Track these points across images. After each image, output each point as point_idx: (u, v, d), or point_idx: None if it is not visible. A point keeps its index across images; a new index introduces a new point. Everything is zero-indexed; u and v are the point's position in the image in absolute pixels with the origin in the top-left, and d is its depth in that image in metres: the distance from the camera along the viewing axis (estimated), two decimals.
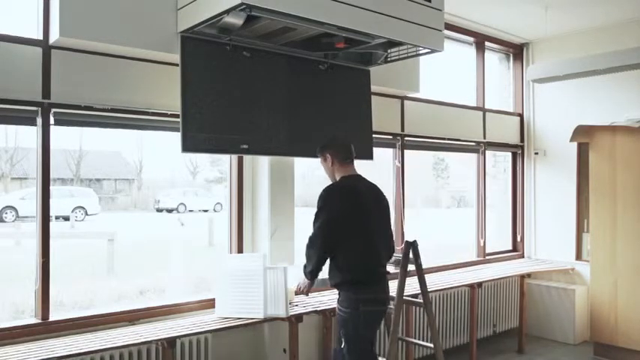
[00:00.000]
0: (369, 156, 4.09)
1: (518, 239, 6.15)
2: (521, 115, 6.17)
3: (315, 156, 4.09)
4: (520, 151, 6.14)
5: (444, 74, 5.59)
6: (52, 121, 3.06)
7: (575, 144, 5.41)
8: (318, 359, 4.02)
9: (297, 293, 3.26)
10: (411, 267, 3.56)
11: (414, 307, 4.36)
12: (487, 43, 5.89)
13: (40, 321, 3.08)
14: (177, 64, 3.14)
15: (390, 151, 4.93)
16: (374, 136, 4.15)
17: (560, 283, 5.64)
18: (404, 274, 3.51)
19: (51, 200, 3.10)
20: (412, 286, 4.00)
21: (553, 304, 5.55)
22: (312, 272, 3.06)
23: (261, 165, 3.90)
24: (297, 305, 3.72)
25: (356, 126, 4.01)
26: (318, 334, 4.01)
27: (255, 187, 3.96)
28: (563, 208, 5.71)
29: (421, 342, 4.21)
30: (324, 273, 3.15)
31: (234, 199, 3.94)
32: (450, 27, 5.18)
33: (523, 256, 6.12)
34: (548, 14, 5.06)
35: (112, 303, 4.70)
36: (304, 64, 3.67)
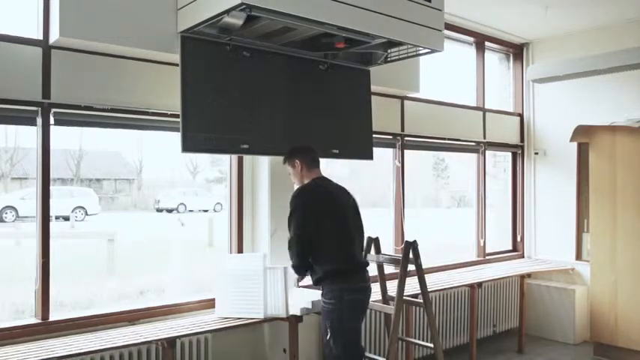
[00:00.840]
0: (369, 156, 4.09)
1: (518, 239, 6.15)
2: (521, 115, 6.17)
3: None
4: (520, 151, 6.14)
5: (444, 74, 5.59)
6: (52, 121, 3.06)
7: (575, 144, 5.41)
8: (318, 359, 4.02)
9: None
10: (411, 267, 3.57)
11: (414, 307, 4.35)
12: (487, 43, 5.89)
13: (40, 321, 3.08)
14: (177, 64, 3.14)
15: (390, 151, 4.93)
16: (374, 136, 4.14)
17: (560, 283, 5.64)
18: (404, 274, 3.51)
19: (51, 200, 3.11)
20: (412, 286, 3.99)
21: (553, 304, 5.55)
22: (298, 268, 3.17)
23: (261, 165, 3.90)
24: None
25: (356, 126, 4.00)
26: (318, 334, 4.01)
27: (255, 187, 3.96)
28: (563, 208, 5.71)
29: (421, 342, 4.22)
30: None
31: (234, 199, 3.94)
32: (450, 27, 5.18)
33: (523, 256, 6.12)
34: (548, 14, 5.06)
35: (112, 303, 4.70)
36: (304, 64, 3.67)
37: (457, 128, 5.41)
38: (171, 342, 3.07)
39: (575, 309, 5.39)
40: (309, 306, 3.51)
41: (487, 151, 5.76)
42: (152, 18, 3.10)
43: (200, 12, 2.97)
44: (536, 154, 6.05)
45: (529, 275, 5.45)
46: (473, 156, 5.78)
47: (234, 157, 3.93)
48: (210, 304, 3.70)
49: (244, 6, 2.67)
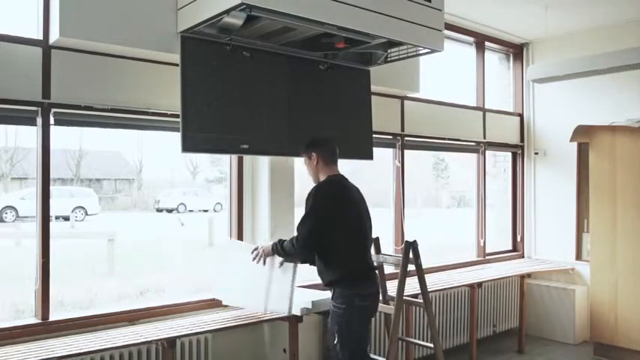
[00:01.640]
0: (369, 156, 4.09)
1: (518, 239, 6.15)
2: (521, 115, 6.17)
3: None
4: (520, 151, 6.14)
5: (444, 74, 5.59)
6: (52, 121, 3.06)
7: (575, 144, 5.41)
8: (318, 359, 4.02)
9: (253, 252, 3.25)
10: (411, 267, 3.57)
11: (414, 307, 4.36)
12: (487, 43, 5.89)
13: (40, 321, 3.08)
14: (177, 64, 3.14)
15: (390, 151, 4.93)
16: (374, 136, 4.14)
17: (560, 283, 5.64)
18: (404, 274, 3.51)
19: (51, 200, 3.10)
20: (412, 286, 3.99)
21: (553, 304, 5.55)
22: (288, 253, 3.09)
23: (261, 165, 3.90)
24: None
25: (356, 126, 4.01)
26: (318, 334, 4.01)
27: (255, 187, 3.96)
28: (563, 208, 5.70)
29: (421, 342, 4.22)
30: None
31: (234, 199, 3.94)
32: (450, 27, 5.18)
33: (523, 256, 6.12)
34: (548, 14, 5.06)
35: (112, 303, 4.70)
36: (304, 64, 3.67)
37: (457, 128, 5.41)
38: (171, 342, 3.07)
39: (575, 309, 5.39)
40: (309, 306, 3.51)
41: (487, 151, 5.76)
42: (152, 18, 3.10)
43: (200, 12, 2.97)
44: (536, 154, 6.05)
45: (529, 275, 5.45)
46: (473, 156, 5.78)
47: (234, 157, 3.93)
48: (209, 304, 3.71)
49: (244, 6, 2.67)
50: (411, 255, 3.54)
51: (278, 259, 3.23)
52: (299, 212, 4.15)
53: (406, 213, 4.91)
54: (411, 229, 4.91)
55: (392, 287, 3.75)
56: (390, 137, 4.83)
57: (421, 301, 3.69)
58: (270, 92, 3.51)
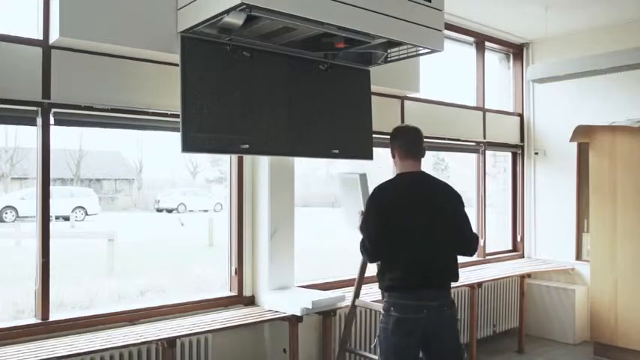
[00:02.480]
0: (369, 156, 4.09)
1: (519, 239, 6.15)
2: (521, 115, 6.17)
3: (314, 156, 4.09)
4: (520, 151, 6.14)
5: (444, 74, 5.59)
6: (52, 121, 3.06)
7: (575, 144, 5.41)
8: (318, 359, 4.02)
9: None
10: None
11: None
12: (487, 43, 5.89)
13: (40, 321, 3.08)
14: (177, 64, 3.13)
15: (390, 151, 4.92)
16: (374, 136, 4.14)
17: (560, 283, 5.64)
18: None
19: (51, 200, 3.10)
20: None
21: (553, 304, 5.55)
22: (366, 250, 2.76)
23: (261, 165, 3.90)
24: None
25: (356, 126, 4.00)
26: (318, 334, 4.01)
27: (255, 187, 3.96)
28: (563, 208, 5.70)
29: None
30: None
31: (234, 199, 3.94)
32: (450, 27, 5.18)
33: (523, 256, 6.11)
34: (548, 14, 5.06)
35: (112, 303, 4.70)
36: (304, 64, 3.67)
37: (457, 128, 5.41)
38: (171, 342, 3.07)
39: (575, 309, 5.38)
40: (310, 306, 3.51)
41: (487, 151, 5.76)
42: (152, 18, 3.10)
43: (200, 12, 2.97)
44: (536, 154, 6.05)
45: (529, 275, 5.45)
46: (473, 156, 5.78)
47: (234, 157, 3.93)
48: (210, 304, 3.72)
49: (244, 6, 2.67)
50: None
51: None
52: (299, 212, 4.16)
53: None
54: None
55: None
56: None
57: None
58: (270, 92, 3.51)
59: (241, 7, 2.69)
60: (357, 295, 3.78)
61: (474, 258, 5.73)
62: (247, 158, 3.94)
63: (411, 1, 3.32)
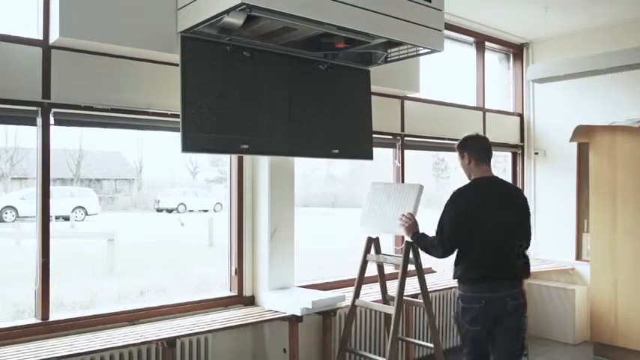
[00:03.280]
0: (369, 156, 4.09)
1: None
2: (521, 115, 6.17)
3: (314, 156, 4.09)
4: (520, 151, 6.14)
5: (444, 74, 5.59)
6: (52, 121, 3.06)
7: (575, 144, 5.41)
8: (318, 359, 4.02)
9: (402, 218, 3.33)
10: (411, 267, 3.57)
11: (414, 307, 4.36)
12: (487, 43, 5.89)
13: (40, 321, 3.08)
14: (177, 64, 3.13)
15: (390, 151, 4.93)
16: (374, 136, 4.14)
17: (560, 283, 5.64)
18: (404, 274, 3.51)
19: (51, 200, 3.10)
20: (412, 286, 4.00)
21: (553, 304, 5.55)
22: (422, 248, 3.16)
23: (261, 165, 3.90)
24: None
25: (356, 126, 4.00)
26: (318, 334, 4.01)
27: (255, 187, 3.96)
28: (563, 208, 5.70)
29: (421, 342, 4.22)
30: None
31: (234, 199, 3.94)
32: (450, 27, 5.18)
33: None
34: (548, 14, 5.05)
35: (112, 303, 4.70)
36: (304, 64, 3.67)
37: (457, 128, 5.38)
38: (171, 342, 3.08)
39: (575, 309, 5.38)
40: (310, 306, 3.51)
41: None
42: (152, 18, 3.10)
43: (200, 12, 2.97)
44: (536, 154, 6.05)
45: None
46: None
47: (234, 157, 3.93)
48: (210, 304, 3.71)
49: (244, 6, 2.67)
50: (411, 255, 3.54)
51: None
52: (299, 212, 4.16)
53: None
54: None
55: (392, 287, 3.75)
56: (390, 137, 4.83)
57: (421, 301, 3.69)
58: (270, 92, 3.51)
59: (241, 7, 2.69)
60: (357, 295, 3.78)
61: None
62: (247, 158, 3.94)
63: (411, 1, 3.32)
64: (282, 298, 3.67)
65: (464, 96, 5.76)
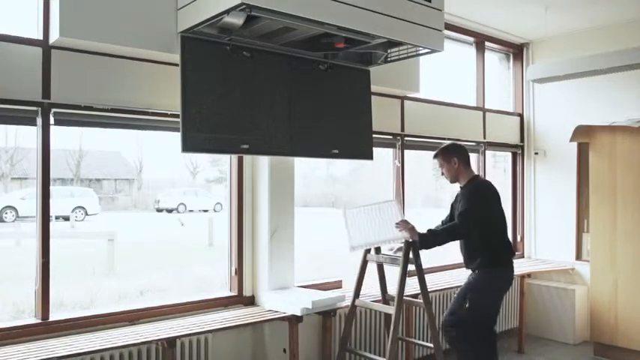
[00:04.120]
0: (369, 156, 4.09)
1: (518, 239, 6.15)
2: (521, 115, 6.17)
3: (314, 156, 4.09)
4: (520, 151, 6.14)
5: (444, 74, 5.59)
6: (52, 121, 3.06)
7: (575, 144, 5.41)
8: (318, 359, 4.02)
9: (399, 225, 3.53)
10: (411, 267, 3.57)
11: (414, 307, 4.36)
12: (487, 43, 5.89)
13: (40, 321, 3.08)
14: (177, 64, 3.14)
15: (390, 151, 4.93)
16: (374, 136, 4.15)
17: (560, 283, 5.64)
18: (404, 274, 3.51)
19: (51, 200, 3.10)
20: (412, 286, 4.00)
21: (553, 304, 5.55)
22: (440, 242, 3.54)
23: (261, 165, 3.90)
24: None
25: (356, 126, 4.01)
26: (318, 334, 4.01)
27: (255, 187, 3.96)
28: (563, 208, 5.70)
29: (421, 342, 4.22)
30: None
31: (234, 199, 3.94)
32: (450, 27, 5.18)
33: (523, 256, 6.11)
34: (548, 14, 5.06)
35: (112, 303, 4.70)
36: (304, 64, 3.67)
37: (457, 128, 5.40)
38: (171, 342, 3.08)
39: (575, 309, 5.38)
40: (310, 306, 3.52)
41: (487, 151, 5.76)
42: (152, 18, 3.10)
43: (200, 12, 2.98)
44: (536, 154, 6.05)
45: (529, 275, 5.45)
46: (473, 156, 5.78)
47: (234, 157, 3.93)
48: (210, 304, 3.72)
49: (244, 6, 2.67)
50: (411, 255, 3.54)
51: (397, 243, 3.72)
52: (299, 212, 4.16)
53: (406, 213, 4.91)
54: None
55: (392, 287, 3.75)
56: (390, 137, 4.83)
57: (421, 301, 3.70)
58: (270, 92, 3.51)
59: (241, 7, 2.69)
60: (357, 295, 3.78)
61: None
62: (247, 158, 3.94)
63: (411, 1, 3.32)
64: (282, 298, 3.67)
65: (464, 96, 5.75)
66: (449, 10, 4.45)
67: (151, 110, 3.38)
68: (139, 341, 2.99)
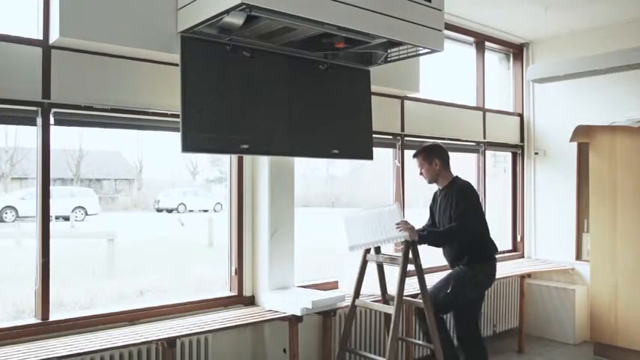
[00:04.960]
0: (369, 156, 4.09)
1: (518, 239, 6.15)
2: (521, 115, 6.17)
3: (314, 156, 4.09)
4: (520, 151, 6.14)
5: (444, 74, 5.59)
6: (52, 121, 3.06)
7: (575, 144, 5.41)
8: (318, 359, 4.02)
9: (399, 225, 3.51)
10: (411, 267, 3.56)
11: (414, 307, 4.35)
12: (487, 43, 5.89)
13: (40, 321, 3.08)
14: (177, 64, 3.14)
15: (390, 151, 4.93)
16: (374, 136, 4.15)
17: (560, 283, 5.64)
18: (404, 274, 3.51)
19: (51, 200, 3.10)
20: (412, 286, 3.99)
21: (553, 304, 5.55)
22: (439, 242, 3.72)
23: (261, 165, 3.90)
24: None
25: (356, 126, 4.01)
26: (318, 334, 4.01)
27: (255, 187, 3.96)
28: (563, 208, 5.70)
29: (421, 342, 4.22)
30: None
31: (234, 199, 3.94)
32: (450, 27, 5.18)
33: (523, 256, 6.12)
34: (548, 14, 5.06)
35: (112, 303, 4.70)
36: (304, 64, 3.67)
37: (457, 128, 5.41)
38: (171, 342, 3.07)
39: (575, 309, 5.38)
40: (310, 306, 3.51)
41: (487, 151, 5.76)
42: (152, 18, 3.10)
43: (200, 12, 2.98)
44: (536, 154, 6.05)
45: (529, 275, 5.45)
46: (473, 156, 5.78)
47: (234, 157, 3.93)
48: (210, 304, 3.72)
49: (244, 6, 2.67)
50: (410, 255, 3.54)
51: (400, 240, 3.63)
52: (299, 212, 4.16)
53: (406, 213, 4.91)
54: None
55: (392, 287, 3.75)
56: (390, 137, 4.83)
57: (421, 301, 3.69)
58: (270, 92, 3.51)
59: (241, 7, 2.69)
60: (357, 295, 3.78)
61: None
62: (247, 158, 3.94)
63: (411, 1, 3.32)
64: (282, 298, 3.67)
65: (464, 96, 5.76)
66: (449, 10, 4.45)
67: (151, 110, 3.38)
68: (138, 341, 2.99)
